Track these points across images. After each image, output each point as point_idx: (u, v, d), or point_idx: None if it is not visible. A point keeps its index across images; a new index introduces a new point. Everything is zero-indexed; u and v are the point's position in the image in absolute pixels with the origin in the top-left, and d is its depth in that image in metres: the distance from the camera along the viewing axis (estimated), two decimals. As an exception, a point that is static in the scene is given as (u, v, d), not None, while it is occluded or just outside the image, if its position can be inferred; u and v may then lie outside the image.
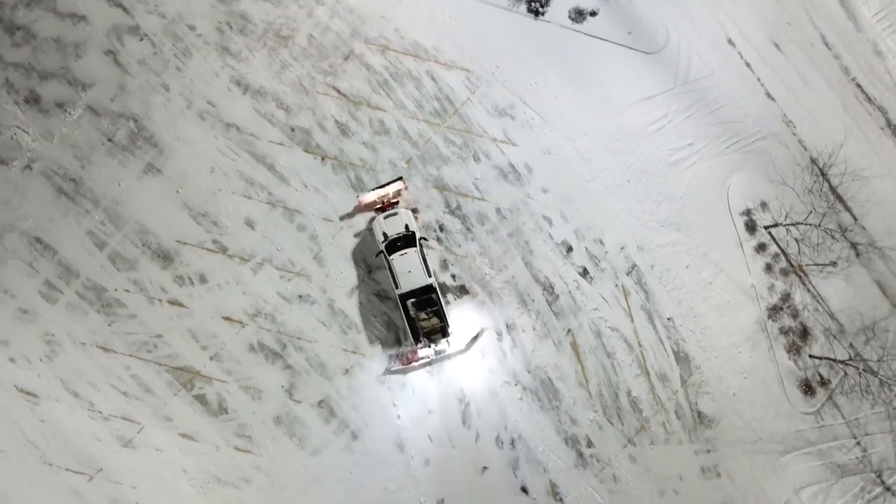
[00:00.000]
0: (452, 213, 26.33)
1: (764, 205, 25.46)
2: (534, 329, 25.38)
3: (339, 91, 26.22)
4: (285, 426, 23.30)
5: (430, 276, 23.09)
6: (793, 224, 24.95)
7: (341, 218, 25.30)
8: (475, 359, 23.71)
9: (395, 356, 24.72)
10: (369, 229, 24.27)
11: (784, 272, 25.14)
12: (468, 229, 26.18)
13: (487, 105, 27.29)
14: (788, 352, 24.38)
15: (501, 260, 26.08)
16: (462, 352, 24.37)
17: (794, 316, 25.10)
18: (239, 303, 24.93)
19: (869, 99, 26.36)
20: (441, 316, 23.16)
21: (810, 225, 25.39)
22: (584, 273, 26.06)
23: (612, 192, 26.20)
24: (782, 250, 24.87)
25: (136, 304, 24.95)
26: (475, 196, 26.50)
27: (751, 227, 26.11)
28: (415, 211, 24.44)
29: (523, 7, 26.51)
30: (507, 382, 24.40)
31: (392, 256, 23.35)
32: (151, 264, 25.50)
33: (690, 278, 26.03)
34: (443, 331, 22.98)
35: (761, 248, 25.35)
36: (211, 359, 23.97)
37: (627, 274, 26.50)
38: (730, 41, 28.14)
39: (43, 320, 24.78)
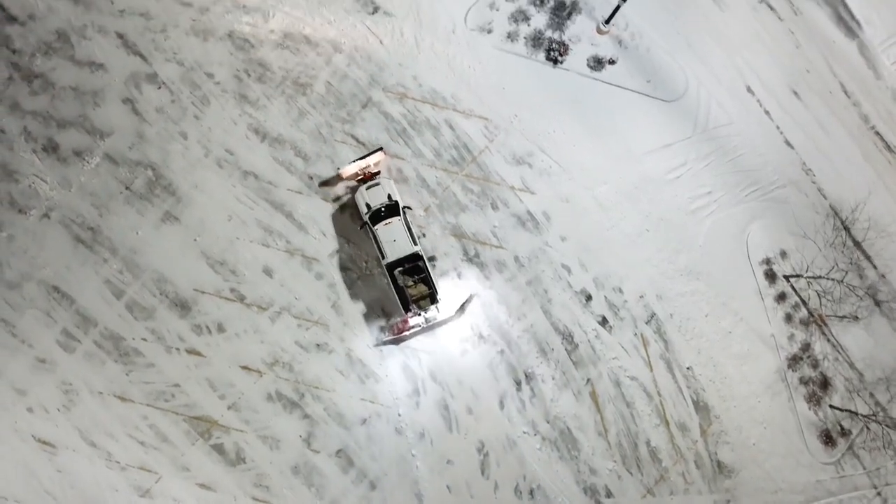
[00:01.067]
0: (470, 260, 29.91)
1: (784, 254, 29.25)
2: (553, 378, 29.01)
3: (357, 139, 30.22)
4: (303, 476, 27.50)
5: (415, 243, 26.39)
6: (815, 278, 28.98)
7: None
8: (494, 409, 27.38)
9: (386, 327, 28.62)
10: (354, 202, 28.71)
11: (804, 322, 29.09)
12: (486, 277, 29.56)
13: (506, 153, 30.97)
14: (808, 402, 28.85)
15: (520, 308, 29.86)
16: (453, 318, 28.29)
17: (815, 366, 29.21)
18: (257, 352, 28.56)
19: (889, 147, 31.22)
20: (429, 283, 26.47)
21: (833, 280, 28.93)
22: (604, 322, 29.78)
23: (632, 241, 29.98)
24: (802, 301, 28.71)
25: (153, 353, 28.59)
26: (493, 244, 30.04)
27: (771, 277, 30.12)
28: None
29: (542, 55, 30.74)
30: (525, 432, 28.22)
31: (376, 226, 26.70)
32: (169, 313, 29.00)
33: (710, 327, 29.87)
34: (431, 297, 26.43)
35: (781, 297, 29.22)
36: (229, 408, 28.03)
37: (647, 323, 30.06)
38: (749, 89, 32.16)
39: (60, 370, 28.46)
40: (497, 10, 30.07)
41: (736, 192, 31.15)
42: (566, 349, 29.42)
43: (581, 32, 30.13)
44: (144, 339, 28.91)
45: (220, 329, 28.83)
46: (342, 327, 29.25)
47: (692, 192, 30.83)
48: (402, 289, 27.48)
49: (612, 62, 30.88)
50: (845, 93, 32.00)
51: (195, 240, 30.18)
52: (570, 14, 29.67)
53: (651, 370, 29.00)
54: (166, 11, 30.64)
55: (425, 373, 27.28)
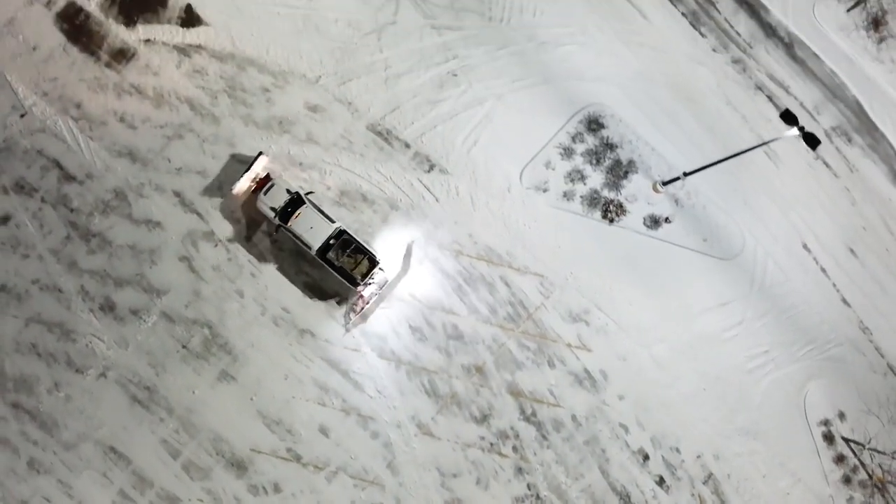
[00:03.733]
0: (527, 419, 42.44)
1: (842, 415, 42.63)
2: (611, 540, 39.99)
3: (413, 295, 42.53)
4: None
5: (333, 221, 38.75)
6: (877, 451, 41.30)
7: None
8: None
9: (348, 312, 41.04)
10: (262, 216, 40.35)
11: (863, 484, 42.15)
12: (543, 436, 42.21)
13: (562, 310, 43.59)
14: (868, 564, 40.09)
15: (578, 468, 42.30)
16: (404, 273, 41.17)
17: (874, 528, 40.51)
18: (314, 513, 39.47)
19: (946, 305, 43.11)
20: (364, 250, 38.88)
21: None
22: (661, 482, 42.23)
23: (689, 400, 42.72)
24: (862, 463, 41.83)
25: (210, 514, 39.35)
26: (550, 402, 42.56)
27: (829, 438, 42.76)
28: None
29: (598, 214, 43.87)
30: None
31: (290, 224, 38.59)
32: (226, 473, 41.30)
33: (768, 488, 42.40)
34: (371, 262, 38.97)
35: (840, 459, 42.23)
36: (286, 571, 39.06)
37: (704, 483, 42.30)
38: (805, 247, 45.41)
39: (118, 532, 39.13)
40: (553, 169, 43.29)
41: (793, 351, 43.78)
42: (624, 511, 40.06)
43: (637, 191, 43.20)
44: (201, 501, 41.19)
45: (277, 489, 41.25)
46: (398, 487, 41.69)
47: (749, 351, 43.54)
48: (342, 268, 39.36)
49: (668, 221, 43.96)
50: (902, 249, 43.46)
51: (251, 399, 42.10)
52: (626, 173, 43.10)
53: (710, 532, 40.21)
54: (224, 170, 43.64)
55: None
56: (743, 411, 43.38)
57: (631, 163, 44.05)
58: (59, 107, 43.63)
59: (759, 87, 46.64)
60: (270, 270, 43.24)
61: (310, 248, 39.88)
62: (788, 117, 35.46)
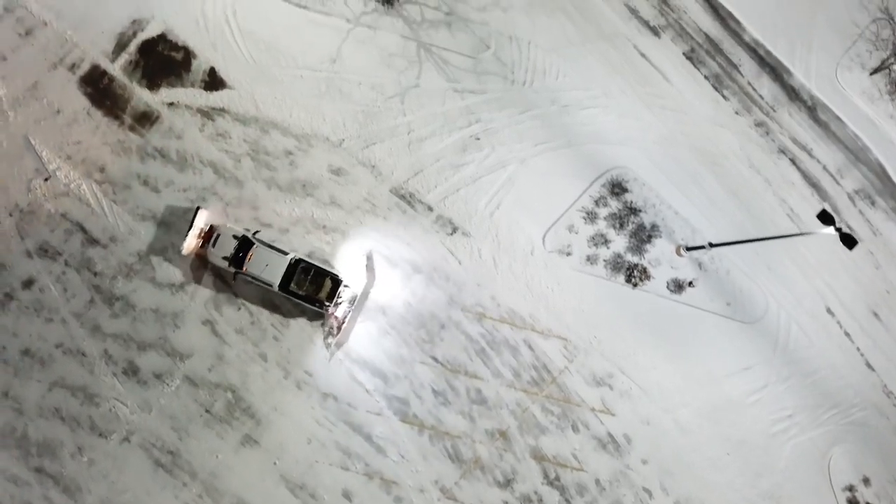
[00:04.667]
0: (551, 483, 48.01)
1: (867, 480, 48.43)
2: None
3: (436, 359, 48.48)
4: None
5: (286, 252, 43.43)
6: None
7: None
8: None
9: (326, 336, 45.62)
10: (217, 269, 45.02)
11: None
12: (567, 501, 47.92)
13: (585, 374, 49.24)
14: None
15: None
16: (372, 284, 46.31)
17: None
18: (338, 579, 45.34)
19: (972, 371, 49.30)
20: (324, 273, 43.61)
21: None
22: None
23: (713, 464, 48.43)
24: None
25: (234, 580, 45.09)
26: (574, 467, 48.14)
27: None
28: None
29: (621, 278, 49.38)
30: None
31: (245, 268, 43.28)
32: None
33: None
34: (335, 282, 43.70)
35: None
36: None
37: None
38: (829, 310, 50.97)
39: None
40: (576, 232, 49.16)
41: (817, 415, 49.49)
42: (649, 576, 46.07)
43: (661, 255, 49.04)
44: (224, 566, 45.22)
45: (301, 555, 45.29)
46: (421, 553, 45.67)
47: (773, 415, 49.19)
48: (309, 296, 43.97)
49: (691, 284, 49.77)
50: (926, 314, 49.58)
51: (275, 463, 47.47)
52: (649, 237, 48.96)
53: None
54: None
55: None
56: (767, 476, 48.80)
57: (654, 227, 49.57)
58: (83, 170, 48.81)
59: (782, 151, 52.44)
60: (293, 334, 48.09)
61: (271, 285, 44.07)
62: (825, 217, 40.57)
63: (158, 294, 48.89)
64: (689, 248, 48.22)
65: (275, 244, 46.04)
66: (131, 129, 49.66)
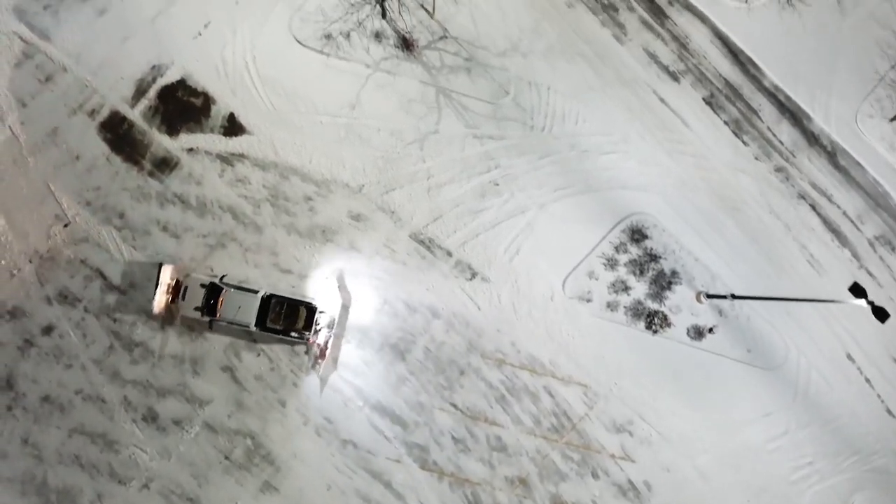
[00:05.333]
0: None
1: None
2: None
3: (455, 406, 52.65)
4: None
5: (256, 291, 47.72)
6: None
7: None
8: None
9: (312, 363, 49.89)
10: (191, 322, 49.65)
11: None
12: None
13: (605, 421, 53.37)
14: None
15: None
16: (348, 302, 50.15)
17: None
18: None
19: None
20: (297, 304, 47.83)
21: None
22: None
23: None
24: None
25: None
26: None
27: None
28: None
29: (642, 324, 53.58)
30: None
31: (218, 315, 47.70)
32: None
33: None
34: (310, 310, 47.79)
35: None
36: None
37: None
38: (849, 356, 54.96)
39: None
40: (596, 279, 53.47)
41: (837, 462, 53.70)
42: None
43: (681, 301, 53.39)
44: None
45: None
46: None
47: (793, 462, 53.44)
48: (286, 328, 48.19)
49: (711, 331, 54.05)
50: (947, 359, 54.08)
51: None
52: (670, 284, 53.24)
53: None
54: (265, 276, 53.06)
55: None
56: (788, 523, 51.56)
57: (674, 273, 54.03)
58: (103, 216, 52.88)
59: (802, 196, 56.40)
60: (313, 380, 52.07)
61: (247, 326, 47.79)
62: (857, 290, 45.40)
63: (177, 340, 52.71)
64: (709, 296, 52.66)
65: (243, 284, 50.41)
66: (151, 174, 53.62)
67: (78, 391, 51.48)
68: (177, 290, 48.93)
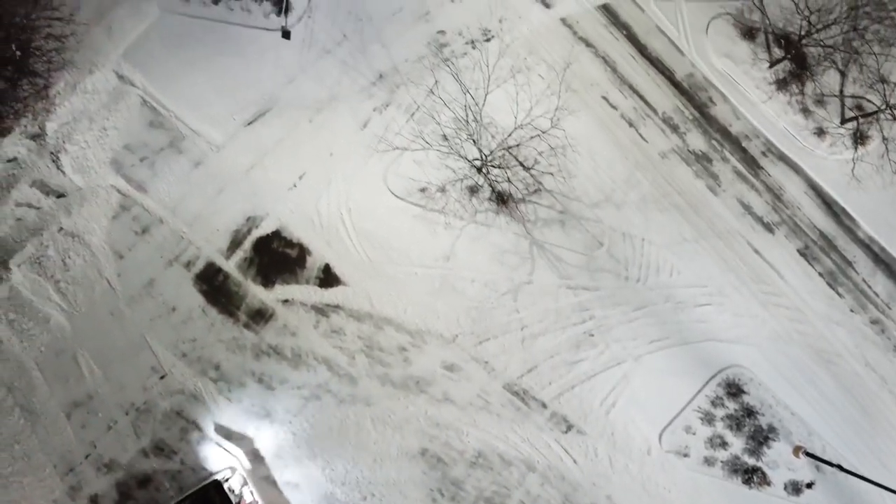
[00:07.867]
0: None
1: None
2: None
3: None
4: None
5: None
6: None
7: None
8: None
9: None
10: None
11: None
12: None
13: None
14: None
15: None
16: (249, 455, 50.28)
17: None
18: None
19: None
20: (201, 490, 46.37)
21: None
22: None
23: None
24: None
25: None
26: None
27: None
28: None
29: (738, 480, 54.08)
30: None
31: None
32: None
33: None
34: (217, 486, 45.96)
35: None
36: None
37: None
38: None
39: None
40: (693, 433, 53.65)
41: None
42: None
43: (778, 457, 53.70)
44: None
45: None
46: None
47: None
48: None
49: (809, 486, 54.39)
50: None
51: None
52: (767, 439, 53.33)
53: None
54: (359, 433, 54.47)
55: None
56: None
57: (772, 428, 54.31)
58: (198, 368, 54.12)
59: (898, 348, 55.56)
60: (408, 535, 52.11)
61: None
62: None
63: (272, 490, 52.90)
64: (808, 454, 52.51)
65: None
66: (246, 326, 54.88)
67: (173, 545, 50.93)
68: None
